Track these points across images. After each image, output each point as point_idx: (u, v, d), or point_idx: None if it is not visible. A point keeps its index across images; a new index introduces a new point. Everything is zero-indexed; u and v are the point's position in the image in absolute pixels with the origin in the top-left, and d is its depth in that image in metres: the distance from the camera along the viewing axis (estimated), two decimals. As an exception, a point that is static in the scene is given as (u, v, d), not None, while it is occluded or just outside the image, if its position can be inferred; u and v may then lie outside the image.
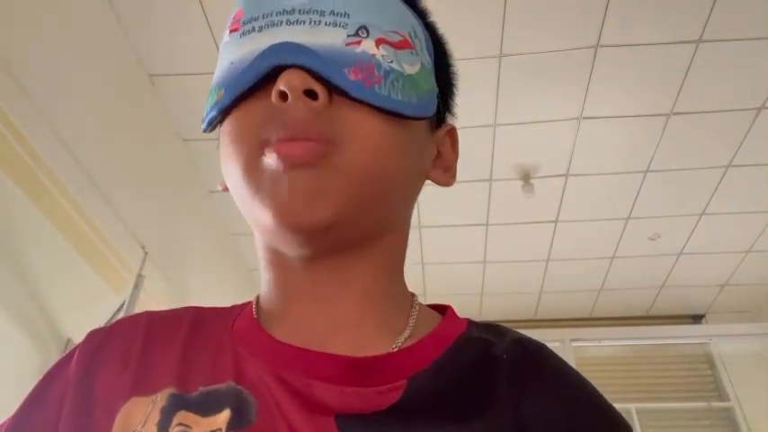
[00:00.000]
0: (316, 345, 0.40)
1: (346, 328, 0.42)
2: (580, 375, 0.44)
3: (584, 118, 2.51)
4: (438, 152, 0.50)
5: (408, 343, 0.42)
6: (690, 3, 2.07)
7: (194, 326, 0.45)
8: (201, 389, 0.39)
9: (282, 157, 0.38)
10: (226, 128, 0.43)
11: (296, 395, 0.38)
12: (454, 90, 0.52)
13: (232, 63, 0.43)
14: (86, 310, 2.15)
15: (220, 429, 0.36)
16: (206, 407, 0.38)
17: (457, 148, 0.52)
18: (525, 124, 2.55)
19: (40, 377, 0.44)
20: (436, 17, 0.52)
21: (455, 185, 0.52)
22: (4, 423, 0.41)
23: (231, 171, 0.42)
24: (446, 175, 0.50)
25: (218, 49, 2.29)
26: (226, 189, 0.47)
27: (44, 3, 1.83)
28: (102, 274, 2.28)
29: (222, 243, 3.13)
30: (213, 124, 0.45)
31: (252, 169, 0.40)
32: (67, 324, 2.00)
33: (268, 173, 0.39)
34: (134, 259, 2.46)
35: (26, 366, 1.84)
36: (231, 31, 0.45)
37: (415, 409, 0.38)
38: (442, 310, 0.48)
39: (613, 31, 2.16)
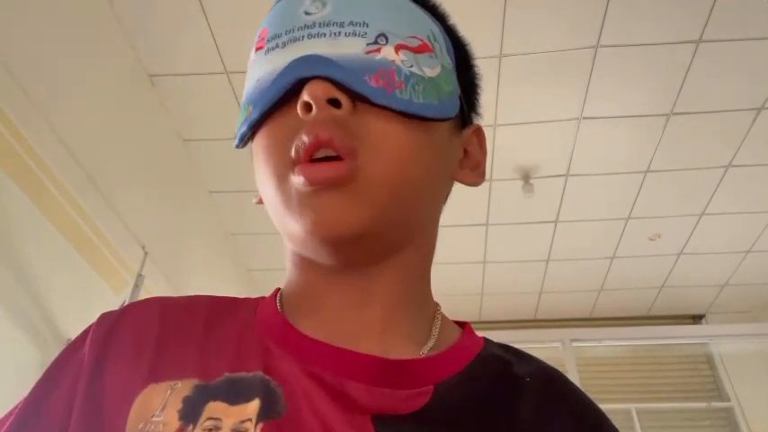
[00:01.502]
0: (344, 346, 0.41)
1: (373, 333, 0.43)
2: (596, 405, 0.46)
3: (584, 118, 2.51)
4: (465, 152, 0.51)
5: (433, 352, 0.43)
6: (690, 3, 2.07)
7: (211, 315, 0.45)
8: (227, 375, 0.39)
9: (310, 180, 0.39)
10: (257, 142, 0.44)
11: (329, 391, 0.38)
12: (478, 90, 0.53)
13: (258, 80, 0.44)
14: (86, 309, 2.15)
15: (250, 420, 0.36)
16: (234, 395, 0.37)
17: (485, 146, 0.53)
18: (525, 124, 2.55)
19: (53, 360, 0.43)
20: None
21: (455, 185, 0.53)
22: (17, 407, 0.41)
23: (264, 185, 0.43)
24: (474, 174, 0.51)
25: (218, 49, 2.28)
26: (260, 202, 0.48)
27: (44, 3, 1.83)
28: (102, 274, 2.28)
29: (222, 243, 3.13)
30: (245, 140, 0.46)
31: (283, 183, 0.41)
32: (68, 324, 2.00)
33: (297, 191, 0.40)
34: (134, 259, 2.46)
35: (26, 366, 1.84)
36: (257, 50, 0.46)
37: (441, 416, 0.39)
38: (460, 325, 0.50)
39: (613, 31, 2.16)
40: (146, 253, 2.51)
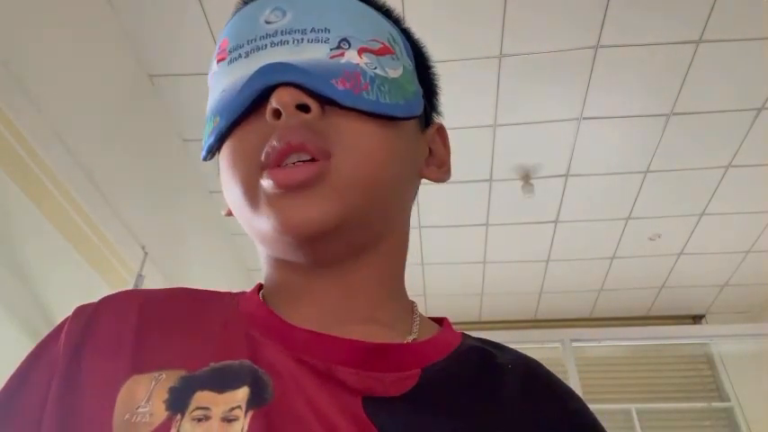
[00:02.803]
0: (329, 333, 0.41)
1: (356, 324, 0.43)
2: (574, 391, 0.47)
3: (584, 118, 2.51)
4: (430, 150, 0.52)
5: (417, 341, 0.44)
6: (690, 3, 2.07)
7: (193, 307, 0.45)
8: (213, 364, 0.39)
9: (280, 183, 0.39)
10: (224, 152, 0.44)
11: (319, 376, 0.39)
12: (437, 90, 0.54)
13: (224, 90, 0.44)
14: (86, 310, 2.15)
15: (240, 407, 0.36)
16: (221, 382, 0.37)
17: (448, 144, 0.53)
18: (525, 124, 2.55)
19: (27, 354, 0.42)
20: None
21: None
22: None
23: (231, 190, 0.43)
24: (440, 171, 0.52)
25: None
26: (230, 214, 0.49)
27: (44, 3, 1.83)
28: (101, 274, 2.28)
29: (222, 243, 3.13)
30: (212, 151, 0.47)
31: (251, 188, 0.41)
32: (67, 324, 2.00)
33: (265, 193, 0.40)
34: (134, 259, 2.46)
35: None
36: (219, 61, 0.47)
37: (429, 398, 0.39)
38: (439, 321, 0.50)
39: (613, 31, 2.16)
40: (146, 253, 2.51)
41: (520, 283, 3.64)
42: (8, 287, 1.82)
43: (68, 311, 0.45)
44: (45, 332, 0.44)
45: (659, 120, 2.52)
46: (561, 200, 2.96)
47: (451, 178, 0.53)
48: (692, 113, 2.48)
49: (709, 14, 2.10)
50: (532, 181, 2.81)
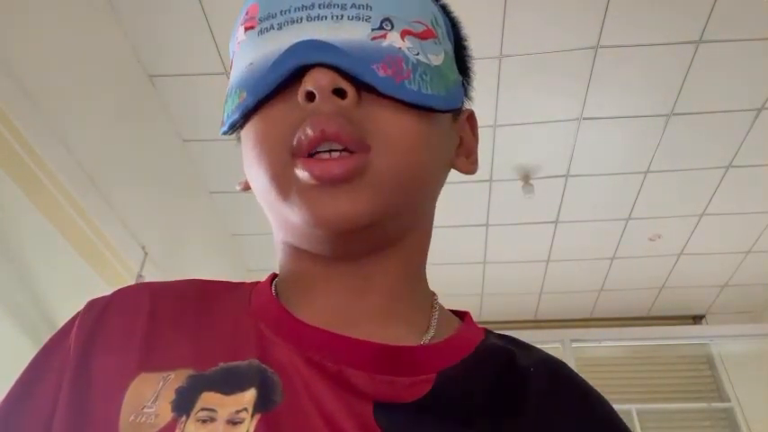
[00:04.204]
0: (342, 332, 0.40)
1: (372, 320, 0.42)
2: (602, 395, 0.45)
3: (585, 118, 2.51)
4: (460, 139, 0.50)
5: (435, 341, 0.42)
6: (690, 3, 2.07)
7: (203, 301, 0.44)
8: (222, 365, 0.38)
9: (317, 177, 0.37)
10: (250, 130, 0.42)
11: (329, 379, 0.37)
12: (471, 74, 0.51)
13: (251, 63, 0.41)
14: (86, 310, 2.15)
15: (246, 409, 0.35)
16: (229, 384, 0.36)
17: (477, 132, 0.52)
18: (525, 124, 2.55)
19: (39, 349, 0.42)
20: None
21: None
22: (5, 398, 0.40)
23: (257, 176, 0.41)
24: (468, 161, 0.50)
25: (218, 49, 2.27)
26: (245, 189, 0.47)
27: (44, 3, 1.83)
28: (102, 274, 2.29)
29: (222, 243, 3.13)
30: (235, 128, 0.44)
31: (281, 176, 0.39)
32: (67, 324, 2.00)
33: (300, 185, 0.38)
34: (134, 259, 2.46)
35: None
36: (247, 29, 0.43)
37: (443, 405, 0.38)
38: (460, 315, 0.48)
39: (613, 32, 2.16)
40: (146, 253, 2.51)
41: (520, 283, 3.64)
42: (8, 287, 1.82)
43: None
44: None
45: (659, 120, 2.52)
46: (561, 200, 2.96)
47: (451, 179, 0.52)
48: (692, 113, 2.48)
49: (710, 14, 2.10)
50: (532, 181, 2.81)
